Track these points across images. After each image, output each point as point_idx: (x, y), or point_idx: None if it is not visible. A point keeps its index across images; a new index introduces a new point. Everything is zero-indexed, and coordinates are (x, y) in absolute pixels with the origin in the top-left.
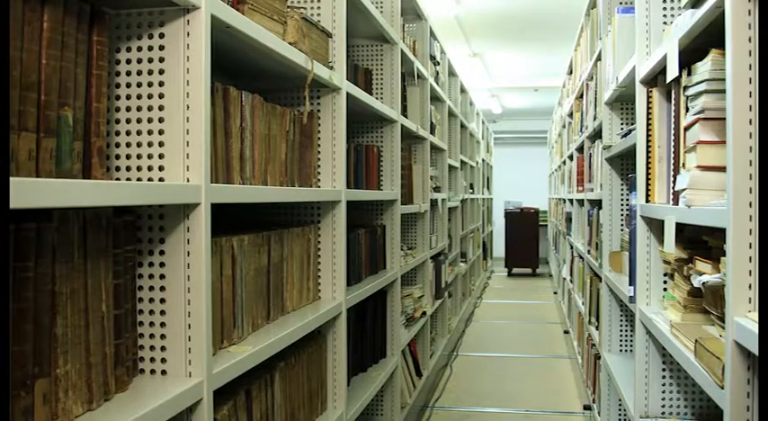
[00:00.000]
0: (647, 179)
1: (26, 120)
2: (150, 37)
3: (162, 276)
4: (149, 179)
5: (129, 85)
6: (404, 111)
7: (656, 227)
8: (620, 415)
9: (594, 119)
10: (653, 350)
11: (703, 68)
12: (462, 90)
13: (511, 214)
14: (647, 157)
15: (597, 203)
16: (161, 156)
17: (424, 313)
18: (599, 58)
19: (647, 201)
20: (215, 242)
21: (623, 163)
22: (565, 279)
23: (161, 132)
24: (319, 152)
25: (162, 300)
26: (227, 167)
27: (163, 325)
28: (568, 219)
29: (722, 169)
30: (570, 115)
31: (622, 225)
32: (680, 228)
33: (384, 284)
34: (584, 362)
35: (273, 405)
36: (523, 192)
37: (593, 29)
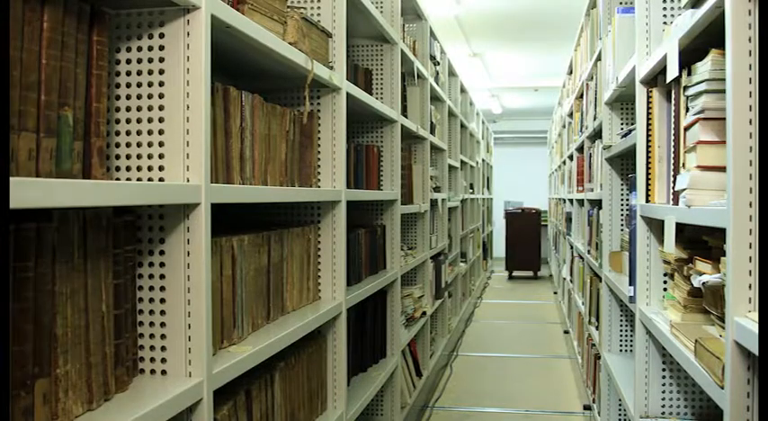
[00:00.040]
0: (647, 179)
1: (26, 121)
2: (150, 37)
3: (162, 276)
4: (149, 179)
5: (129, 85)
6: (404, 112)
7: (656, 227)
8: (620, 415)
9: (594, 119)
10: (653, 350)
11: (703, 68)
12: (462, 90)
13: (511, 215)
14: (647, 157)
15: (597, 203)
16: (161, 156)
17: (424, 313)
18: (599, 58)
19: (647, 201)
20: (215, 242)
21: (623, 163)
22: (565, 279)
23: (161, 132)
24: (319, 152)
25: (162, 300)
26: (227, 167)
27: (163, 325)
28: (568, 219)
29: (722, 169)
30: (570, 115)
31: (622, 225)
32: (680, 228)
33: (384, 284)
34: (584, 362)
35: (273, 405)
36: (523, 192)
37: (593, 29)
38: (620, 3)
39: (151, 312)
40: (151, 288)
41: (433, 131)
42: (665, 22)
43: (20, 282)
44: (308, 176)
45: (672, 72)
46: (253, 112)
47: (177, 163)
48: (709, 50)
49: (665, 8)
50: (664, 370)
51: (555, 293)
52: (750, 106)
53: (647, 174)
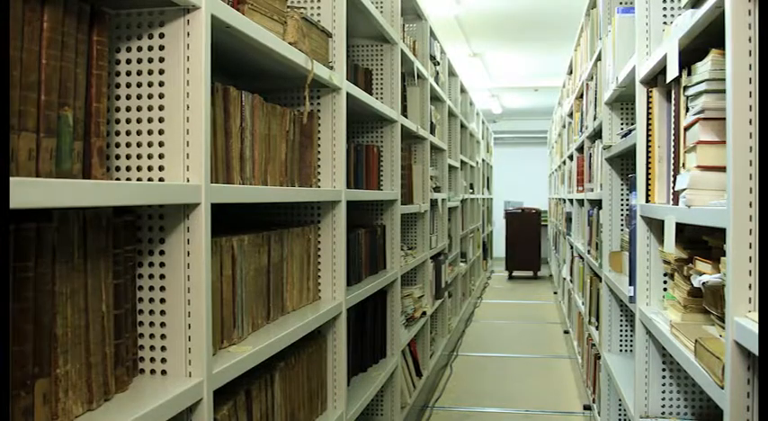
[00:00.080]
0: (647, 179)
1: (26, 121)
2: (150, 37)
3: (162, 276)
4: (149, 179)
5: (129, 85)
6: (404, 112)
7: (656, 227)
8: (620, 415)
9: (594, 119)
10: (653, 350)
11: (703, 68)
12: (462, 90)
13: (511, 215)
14: (647, 157)
15: (597, 203)
16: (161, 156)
17: (424, 313)
18: (599, 58)
19: (647, 201)
20: (215, 242)
21: (623, 163)
22: (565, 279)
23: (161, 132)
24: (319, 152)
25: (162, 300)
26: (227, 167)
27: (163, 325)
28: (568, 219)
29: (722, 169)
30: (570, 115)
31: (622, 225)
32: (680, 228)
33: (384, 284)
34: (584, 362)
35: (273, 405)
36: (523, 192)
37: (593, 29)
38: (620, 3)
39: (151, 312)
40: (151, 288)
41: (433, 131)
42: (665, 22)
43: (20, 282)
44: (308, 176)
45: (672, 72)
46: (253, 112)
47: (177, 163)
48: (709, 50)
49: (665, 8)
50: (664, 370)
51: (555, 293)
52: (750, 106)
53: (647, 174)
